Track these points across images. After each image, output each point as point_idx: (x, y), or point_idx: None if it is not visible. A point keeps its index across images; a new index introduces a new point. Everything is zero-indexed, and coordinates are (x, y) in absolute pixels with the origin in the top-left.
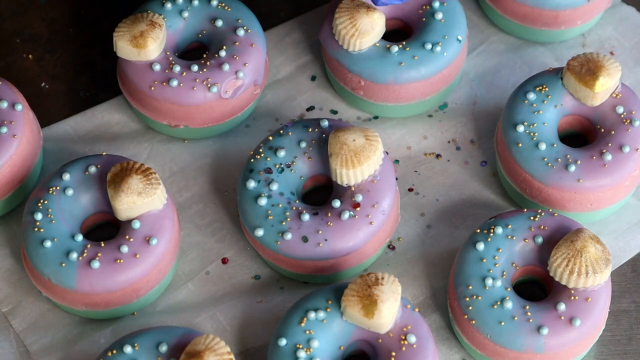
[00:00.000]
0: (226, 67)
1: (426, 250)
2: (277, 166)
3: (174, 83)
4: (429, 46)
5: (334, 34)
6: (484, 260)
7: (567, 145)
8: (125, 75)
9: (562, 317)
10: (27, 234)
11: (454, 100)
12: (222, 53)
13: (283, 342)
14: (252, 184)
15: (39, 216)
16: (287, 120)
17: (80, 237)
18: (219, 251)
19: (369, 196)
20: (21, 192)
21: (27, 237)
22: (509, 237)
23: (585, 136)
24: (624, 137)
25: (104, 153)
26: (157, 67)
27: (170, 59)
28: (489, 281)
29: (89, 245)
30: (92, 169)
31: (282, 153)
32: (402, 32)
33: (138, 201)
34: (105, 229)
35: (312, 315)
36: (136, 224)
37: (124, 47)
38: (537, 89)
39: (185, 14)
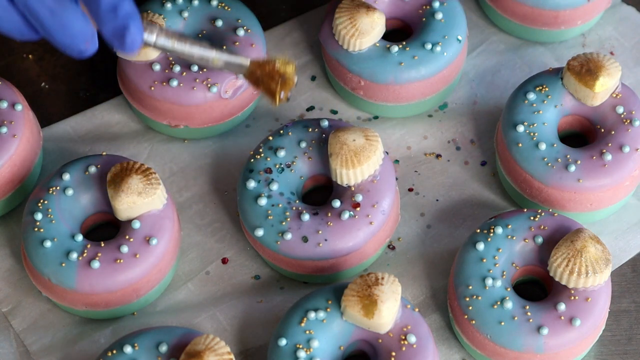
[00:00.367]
0: None
1: (426, 250)
2: (277, 166)
3: (174, 83)
4: (429, 46)
5: (334, 34)
6: (484, 260)
7: (567, 145)
8: (125, 75)
9: (562, 317)
10: (27, 234)
11: (454, 100)
12: None
13: (283, 342)
14: (252, 184)
15: (39, 216)
16: (287, 120)
17: (80, 237)
18: (219, 251)
19: (369, 196)
20: (21, 192)
21: (27, 237)
22: (509, 237)
23: (585, 136)
24: (624, 137)
25: (104, 153)
26: (157, 67)
27: (170, 59)
28: (489, 281)
29: (89, 245)
30: (92, 169)
31: (282, 153)
32: (402, 32)
33: (138, 201)
34: (105, 229)
35: (312, 315)
36: (136, 224)
37: None
38: (537, 89)
39: (185, 14)
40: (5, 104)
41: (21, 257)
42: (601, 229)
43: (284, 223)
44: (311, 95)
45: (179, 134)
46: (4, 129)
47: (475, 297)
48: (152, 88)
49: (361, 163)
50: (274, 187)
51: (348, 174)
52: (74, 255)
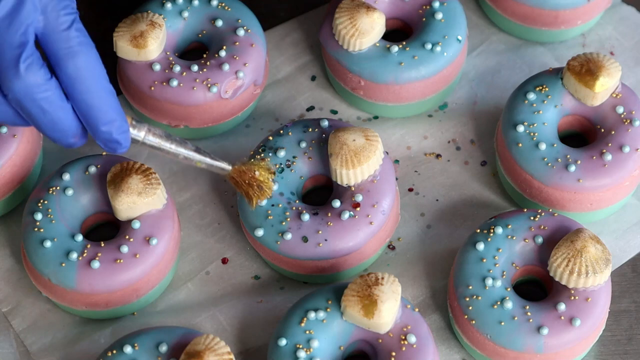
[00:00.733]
0: (226, 67)
1: (426, 250)
2: (277, 166)
3: (174, 83)
4: (429, 46)
5: (334, 34)
6: (484, 260)
7: (567, 145)
8: (125, 75)
9: (562, 317)
10: (27, 234)
11: (454, 100)
12: (222, 53)
13: (283, 342)
14: None
15: (39, 216)
16: (287, 120)
17: (80, 237)
18: (219, 251)
19: (369, 196)
20: (21, 192)
21: (27, 237)
22: (509, 237)
23: (585, 136)
24: (624, 137)
25: (104, 153)
26: (157, 67)
27: (170, 59)
28: (489, 281)
29: (89, 245)
30: (92, 169)
31: (282, 153)
32: (402, 32)
33: (138, 201)
34: (105, 229)
35: (312, 315)
36: (136, 224)
37: (124, 47)
38: (537, 89)
39: (185, 14)
40: None
41: (21, 257)
42: (601, 229)
43: (284, 223)
44: (311, 95)
45: (179, 134)
46: (4, 129)
47: (475, 297)
48: (152, 88)
49: (361, 163)
50: (274, 187)
51: (348, 174)
52: (74, 255)
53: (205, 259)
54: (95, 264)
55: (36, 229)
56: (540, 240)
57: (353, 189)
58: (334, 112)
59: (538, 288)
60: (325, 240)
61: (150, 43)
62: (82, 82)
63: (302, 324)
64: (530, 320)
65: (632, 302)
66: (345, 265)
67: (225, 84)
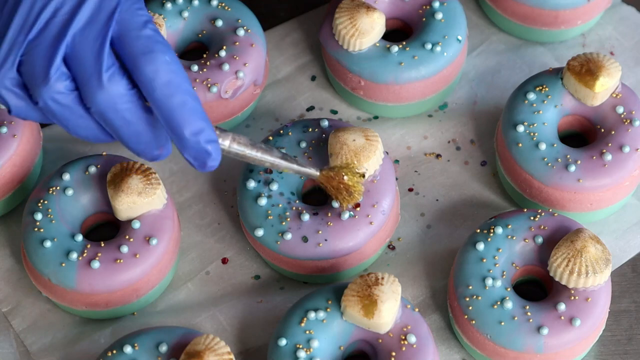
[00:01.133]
0: (226, 67)
1: (426, 250)
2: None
3: None
4: (429, 46)
5: (334, 34)
6: (484, 260)
7: (567, 145)
8: None
9: (562, 317)
10: (27, 234)
11: (454, 100)
12: (222, 53)
13: (283, 342)
14: (252, 184)
15: (39, 216)
16: (287, 120)
17: (80, 237)
18: (219, 251)
19: (369, 196)
20: (21, 192)
21: (27, 237)
22: (509, 237)
23: (585, 136)
24: (624, 137)
25: (104, 153)
26: None
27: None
28: (489, 281)
29: (89, 245)
30: (92, 169)
31: None
32: (402, 32)
33: (138, 201)
34: (105, 229)
35: (312, 315)
36: (136, 224)
37: None
38: (537, 89)
39: (185, 14)
40: None
41: (21, 257)
42: (601, 229)
43: (284, 223)
44: (311, 95)
45: None
46: (4, 129)
47: (475, 297)
48: None
49: (361, 163)
50: (274, 187)
51: None
52: (74, 255)
53: (205, 259)
54: (95, 264)
55: (36, 229)
56: (540, 240)
57: None
58: (334, 112)
59: (538, 288)
60: (325, 240)
61: None
62: (162, 83)
63: (302, 324)
64: (530, 320)
65: (632, 302)
66: (345, 265)
67: (225, 84)
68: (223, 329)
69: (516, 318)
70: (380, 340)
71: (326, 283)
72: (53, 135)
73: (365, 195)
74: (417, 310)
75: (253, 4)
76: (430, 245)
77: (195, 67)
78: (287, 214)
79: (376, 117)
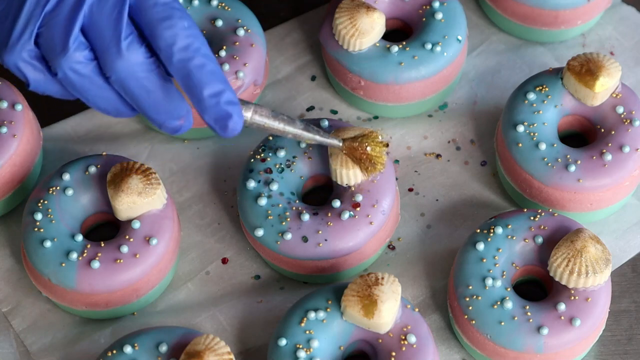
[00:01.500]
0: (226, 67)
1: (426, 250)
2: (277, 166)
3: None
4: (429, 46)
5: (334, 34)
6: (484, 260)
7: (567, 145)
8: None
9: (562, 317)
10: (27, 234)
11: (454, 100)
12: (222, 53)
13: (283, 342)
14: (252, 184)
15: (39, 216)
16: None
17: (80, 237)
18: (219, 251)
19: (369, 196)
20: (21, 192)
21: (27, 237)
22: (509, 237)
23: (585, 136)
24: (624, 137)
25: (104, 153)
26: None
27: None
28: (489, 281)
29: (89, 245)
30: (92, 169)
31: (282, 153)
32: (402, 32)
33: (138, 201)
34: (105, 229)
35: (312, 315)
36: (136, 224)
37: None
38: (537, 89)
39: None
40: (5, 104)
41: (21, 257)
42: (601, 229)
43: (284, 223)
44: (311, 95)
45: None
46: (4, 129)
47: (475, 297)
48: None
49: None
50: (274, 187)
51: (348, 174)
52: (74, 255)
53: (205, 259)
54: (95, 264)
55: (36, 229)
56: (540, 240)
57: (353, 188)
58: (334, 112)
59: (538, 288)
60: (325, 240)
61: None
62: (181, 47)
63: (302, 324)
64: (530, 320)
65: (632, 302)
66: (345, 265)
67: None
68: (223, 329)
69: (516, 318)
70: (380, 340)
71: (326, 283)
72: (53, 135)
73: (365, 195)
74: (417, 310)
75: (253, 4)
76: (430, 245)
77: None
78: (287, 214)
79: (376, 117)
